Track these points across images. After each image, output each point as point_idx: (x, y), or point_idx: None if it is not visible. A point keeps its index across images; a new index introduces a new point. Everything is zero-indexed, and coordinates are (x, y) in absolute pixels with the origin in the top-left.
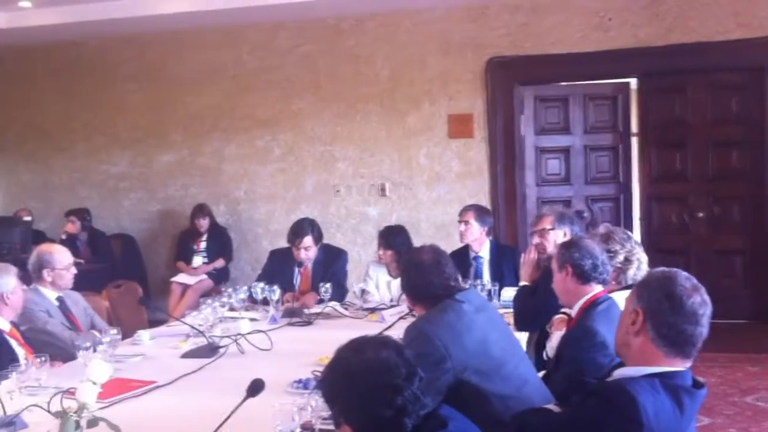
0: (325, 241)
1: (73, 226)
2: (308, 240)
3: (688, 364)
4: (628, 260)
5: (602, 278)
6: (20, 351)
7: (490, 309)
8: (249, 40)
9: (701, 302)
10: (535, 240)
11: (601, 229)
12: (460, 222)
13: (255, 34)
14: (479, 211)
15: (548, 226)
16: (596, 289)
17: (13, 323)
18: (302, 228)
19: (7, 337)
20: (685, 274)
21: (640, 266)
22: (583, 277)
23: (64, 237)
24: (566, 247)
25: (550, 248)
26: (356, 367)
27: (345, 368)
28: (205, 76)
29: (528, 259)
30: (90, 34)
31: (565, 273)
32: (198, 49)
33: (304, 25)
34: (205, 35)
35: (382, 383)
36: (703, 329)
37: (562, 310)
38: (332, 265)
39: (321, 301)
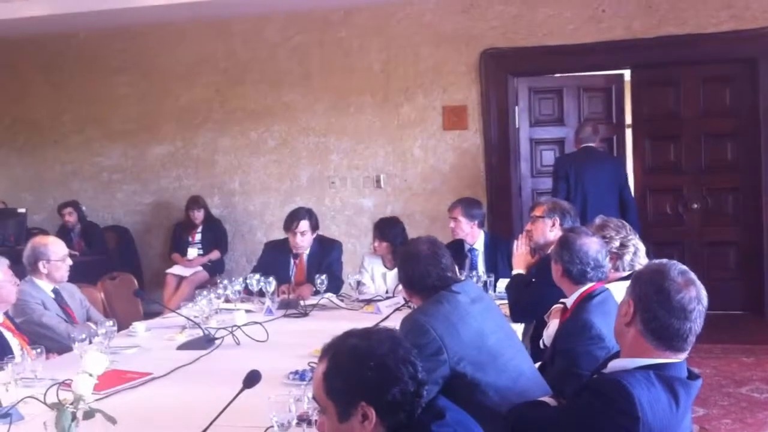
0: (320, 232)
1: (72, 217)
2: (305, 224)
3: (681, 356)
4: (623, 245)
5: (596, 278)
6: (14, 342)
7: (487, 300)
8: (238, 32)
9: (692, 297)
10: (528, 226)
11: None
12: (449, 218)
13: (243, 25)
14: (467, 207)
15: (538, 214)
16: (591, 283)
17: (7, 315)
18: (299, 213)
19: (1, 329)
20: (680, 268)
21: (637, 252)
22: (572, 278)
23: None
24: (561, 244)
25: (537, 236)
26: (377, 348)
27: (365, 352)
28: (196, 68)
29: (519, 246)
30: (80, 26)
31: (558, 269)
32: (188, 41)
33: (292, 17)
34: (195, 27)
35: (402, 357)
36: (693, 324)
37: (561, 300)
38: (327, 256)
39: (317, 293)
